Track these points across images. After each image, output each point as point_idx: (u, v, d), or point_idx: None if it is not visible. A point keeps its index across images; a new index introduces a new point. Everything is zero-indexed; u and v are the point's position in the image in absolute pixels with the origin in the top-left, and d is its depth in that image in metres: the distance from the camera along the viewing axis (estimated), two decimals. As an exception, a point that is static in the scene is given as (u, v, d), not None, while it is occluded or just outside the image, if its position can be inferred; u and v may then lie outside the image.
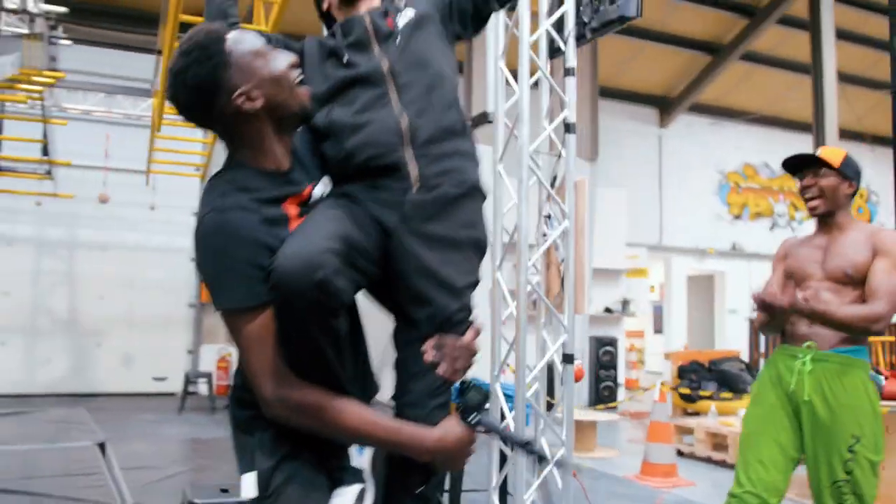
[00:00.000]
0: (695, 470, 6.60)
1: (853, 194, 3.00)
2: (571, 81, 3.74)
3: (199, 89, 1.56)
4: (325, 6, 1.99)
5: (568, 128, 3.72)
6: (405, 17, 1.88)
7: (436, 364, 1.67)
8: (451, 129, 1.81)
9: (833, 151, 3.03)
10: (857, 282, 2.85)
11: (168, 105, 7.47)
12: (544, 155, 4.05)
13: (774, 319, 2.98)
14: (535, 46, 3.93)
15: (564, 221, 3.72)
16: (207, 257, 1.55)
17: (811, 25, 11.44)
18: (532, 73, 3.78)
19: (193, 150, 8.71)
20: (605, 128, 13.76)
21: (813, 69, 11.26)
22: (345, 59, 1.82)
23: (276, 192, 1.61)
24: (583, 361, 9.83)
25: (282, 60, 1.64)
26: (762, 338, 10.11)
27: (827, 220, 3.01)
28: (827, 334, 2.85)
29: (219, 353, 10.89)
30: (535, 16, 3.93)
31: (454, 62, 1.93)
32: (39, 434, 6.36)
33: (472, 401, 1.63)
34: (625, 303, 11.82)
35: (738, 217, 15.95)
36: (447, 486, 4.36)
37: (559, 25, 3.86)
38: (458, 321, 1.71)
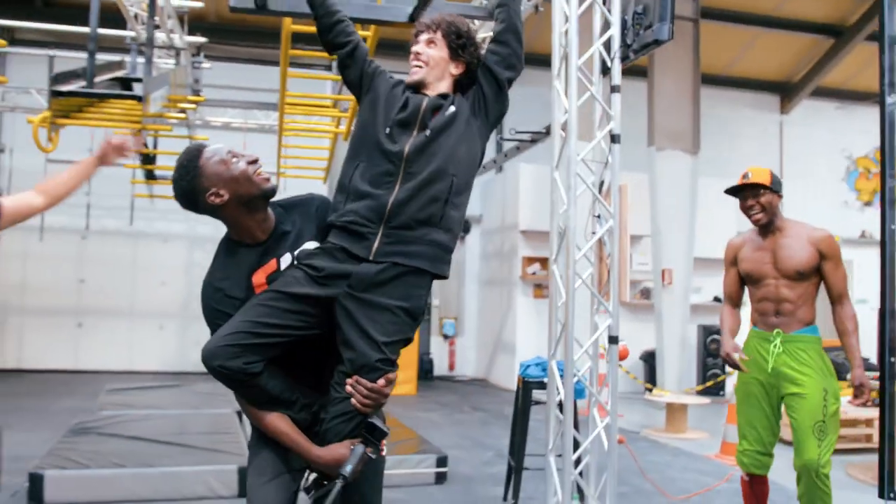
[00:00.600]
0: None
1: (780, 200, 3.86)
2: (617, 98, 4.24)
3: (186, 193, 2.26)
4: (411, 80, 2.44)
5: (613, 139, 4.23)
6: (444, 113, 2.33)
7: (350, 395, 2.14)
8: (426, 221, 2.24)
9: (762, 173, 3.84)
10: (806, 276, 3.67)
11: (288, 118, 8.41)
12: (596, 163, 4.57)
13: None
14: (590, 64, 4.45)
15: (609, 221, 4.24)
16: (202, 304, 2.30)
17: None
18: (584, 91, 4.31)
19: (317, 155, 9.63)
20: (721, 118, 13.78)
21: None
22: (387, 131, 2.30)
23: (251, 262, 2.27)
24: (685, 349, 10.08)
25: (241, 163, 2.24)
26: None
27: (768, 227, 3.84)
28: (790, 321, 3.72)
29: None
30: (588, 37, 4.44)
31: (474, 154, 2.38)
32: (191, 402, 7.54)
33: (371, 435, 2.15)
34: (734, 292, 11.86)
35: (868, 203, 15.45)
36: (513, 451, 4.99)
37: (608, 46, 4.35)
38: (375, 369, 2.13)
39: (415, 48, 2.44)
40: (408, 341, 2.24)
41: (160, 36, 7.27)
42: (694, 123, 9.98)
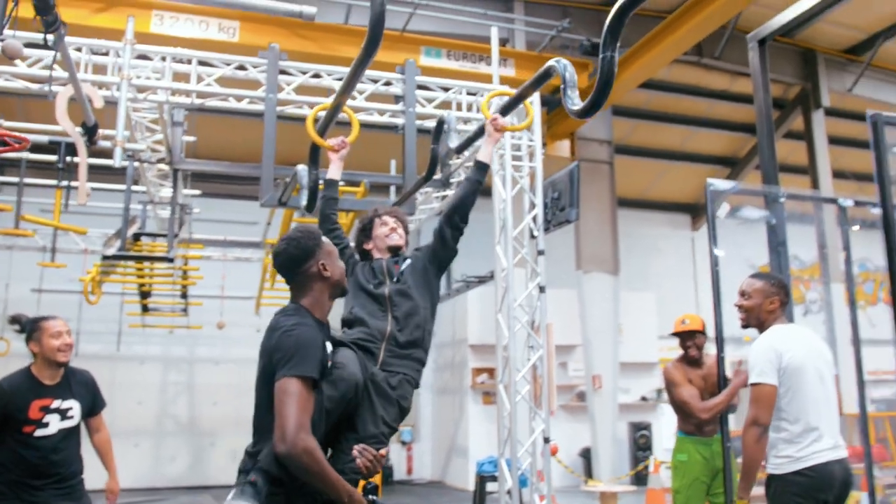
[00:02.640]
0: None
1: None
2: (542, 259, 5.84)
3: (301, 252, 2.62)
4: (367, 246, 3.37)
5: (541, 289, 5.79)
6: (405, 263, 3.25)
7: (355, 458, 2.65)
8: (413, 342, 3.06)
9: (696, 320, 5.16)
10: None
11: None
12: (529, 307, 6.11)
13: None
14: (521, 234, 6.06)
15: (540, 350, 5.75)
16: (294, 343, 2.46)
17: (806, 137, 13.31)
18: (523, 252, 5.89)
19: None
20: (640, 235, 15.70)
21: (810, 171, 13.06)
22: (370, 285, 3.16)
23: (324, 334, 2.64)
24: (616, 444, 11.50)
25: (342, 264, 2.78)
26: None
27: (698, 360, 5.09)
28: (715, 429, 4.83)
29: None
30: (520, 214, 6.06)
31: (433, 291, 3.27)
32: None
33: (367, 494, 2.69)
34: (660, 391, 13.43)
35: (772, 307, 17.38)
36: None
37: (535, 220, 5.97)
38: (376, 441, 2.76)
39: (388, 221, 3.39)
40: (393, 429, 2.93)
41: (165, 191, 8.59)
42: (613, 249, 11.75)
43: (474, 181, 3.40)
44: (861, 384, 5.08)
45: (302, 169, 4.56)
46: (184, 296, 10.13)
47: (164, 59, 5.65)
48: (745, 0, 8.19)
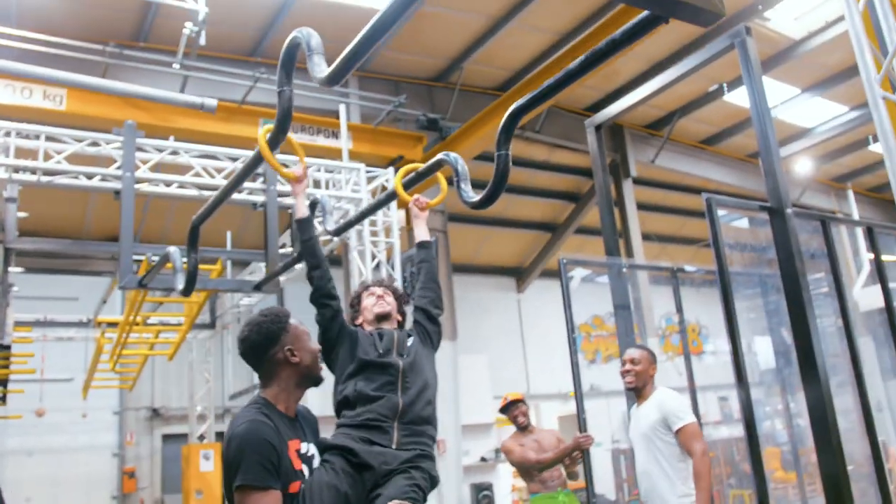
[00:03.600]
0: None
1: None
2: (404, 330, 6.03)
3: (266, 338, 2.47)
4: (357, 322, 3.22)
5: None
6: (410, 340, 3.10)
7: None
8: (426, 419, 2.91)
9: (516, 394, 5.87)
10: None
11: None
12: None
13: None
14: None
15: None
16: (240, 448, 2.28)
17: (618, 203, 14.53)
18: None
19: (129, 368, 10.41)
20: (471, 299, 16.28)
21: (623, 235, 14.24)
22: (381, 350, 2.97)
23: (285, 430, 2.43)
24: (462, 507, 11.70)
25: (316, 344, 2.61)
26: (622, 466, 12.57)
27: (527, 425, 5.64)
28: (559, 482, 5.34)
29: (140, 539, 12.19)
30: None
31: (435, 370, 3.12)
32: None
33: None
34: (498, 450, 13.85)
35: (592, 361, 18.52)
36: None
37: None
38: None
39: (375, 291, 3.28)
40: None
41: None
42: (451, 315, 12.13)
43: (430, 260, 3.43)
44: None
45: (174, 250, 4.47)
46: (3, 383, 9.27)
47: (8, 134, 5.35)
48: (575, 84, 8.95)
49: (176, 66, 8.88)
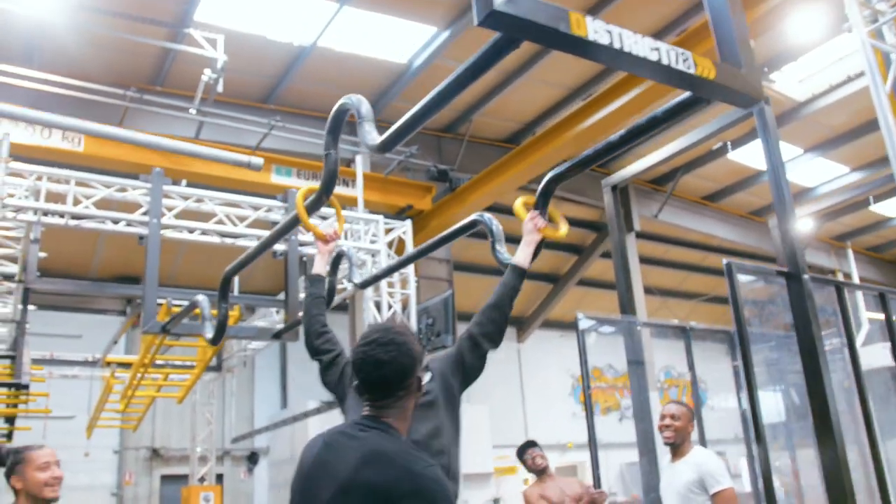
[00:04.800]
0: None
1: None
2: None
3: (414, 360, 2.05)
4: None
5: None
6: (427, 374, 2.66)
7: None
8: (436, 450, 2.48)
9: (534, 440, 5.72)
10: None
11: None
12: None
13: None
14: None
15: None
16: (440, 495, 1.91)
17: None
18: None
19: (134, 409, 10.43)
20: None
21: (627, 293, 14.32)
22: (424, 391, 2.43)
23: None
24: (461, 558, 11.60)
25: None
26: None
27: (545, 468, 5.50)
28: None
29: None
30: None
31: (457, 409, 2.78)
32: None
33: None
34: (496, 500, 13.77)
35: (591, 413, 18.48)
36: None
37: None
38: None
39: None
40: None
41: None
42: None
43: (512, 288, 3.01)
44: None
45: (203, 299, 4.55)
46: (10, 420, 9.25)
47: (39, 178, 5.48)
48: (587, 140, 9.16)
49: (192, 111, 9.05)
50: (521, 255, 3.09)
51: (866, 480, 5.06)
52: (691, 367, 5.97)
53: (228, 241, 6.09)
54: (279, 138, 10.54)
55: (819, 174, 14.33)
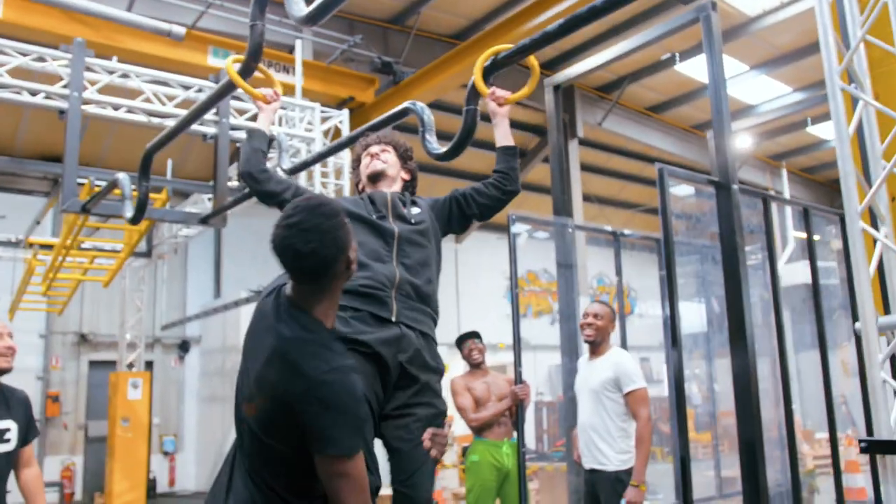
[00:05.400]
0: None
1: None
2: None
3: (339, 249, 1.83)
4: (360, 187, 2.92)
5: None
6: (414, 210, 2.74)
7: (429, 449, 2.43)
8: (427, 297, 2.58)
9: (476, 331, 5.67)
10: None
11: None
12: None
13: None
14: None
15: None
16: (331, 411, 1.76)
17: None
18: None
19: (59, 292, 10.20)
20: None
21: (565, 194, 14.40)
22: (374, 217, 2.60)
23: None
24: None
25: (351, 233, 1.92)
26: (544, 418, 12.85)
27: (480, 363, 5.50)
28: (506, 431, 5.25)
29: (62, 464, 12.13)
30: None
31: (439, 251, 2.77)
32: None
33: None
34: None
35: (523, 315, 18.88)
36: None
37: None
38: (444, 415, 2.55)
39: (372, 150, 2.91)
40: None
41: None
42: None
43: (512, 168, 2.94)
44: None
45: (123, 177, 4.37)
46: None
47: (-53, 42, 5.10)
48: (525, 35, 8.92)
49: (124, -19, 8.51)
50: (501, 135, 2.99)
51: (775, 390, 5.28)
52: (619, 272, 6.06)
53: (156, 120, 5.81)
54: (218, 18, 10.06)
55: (762, 92, 14.43)
